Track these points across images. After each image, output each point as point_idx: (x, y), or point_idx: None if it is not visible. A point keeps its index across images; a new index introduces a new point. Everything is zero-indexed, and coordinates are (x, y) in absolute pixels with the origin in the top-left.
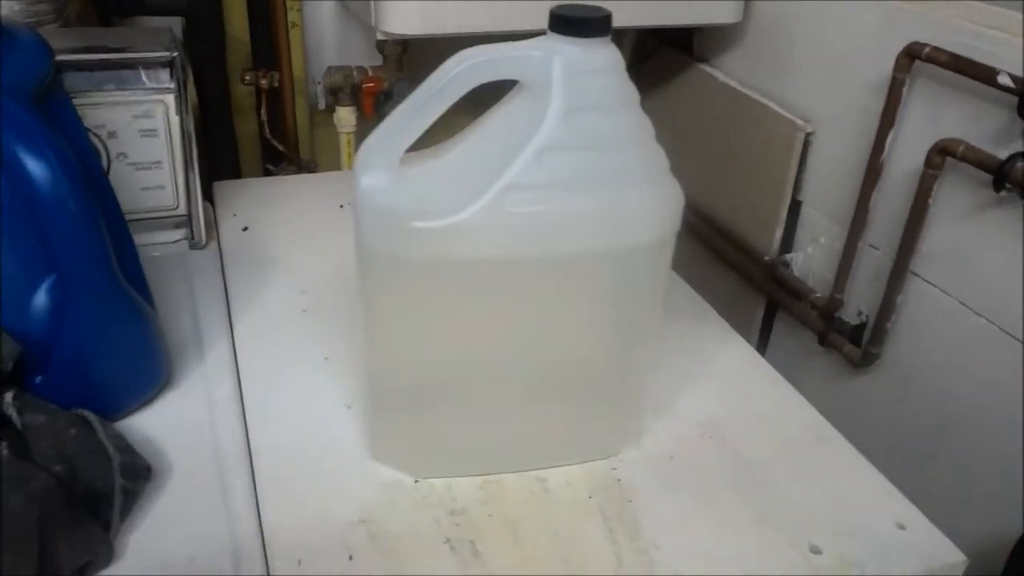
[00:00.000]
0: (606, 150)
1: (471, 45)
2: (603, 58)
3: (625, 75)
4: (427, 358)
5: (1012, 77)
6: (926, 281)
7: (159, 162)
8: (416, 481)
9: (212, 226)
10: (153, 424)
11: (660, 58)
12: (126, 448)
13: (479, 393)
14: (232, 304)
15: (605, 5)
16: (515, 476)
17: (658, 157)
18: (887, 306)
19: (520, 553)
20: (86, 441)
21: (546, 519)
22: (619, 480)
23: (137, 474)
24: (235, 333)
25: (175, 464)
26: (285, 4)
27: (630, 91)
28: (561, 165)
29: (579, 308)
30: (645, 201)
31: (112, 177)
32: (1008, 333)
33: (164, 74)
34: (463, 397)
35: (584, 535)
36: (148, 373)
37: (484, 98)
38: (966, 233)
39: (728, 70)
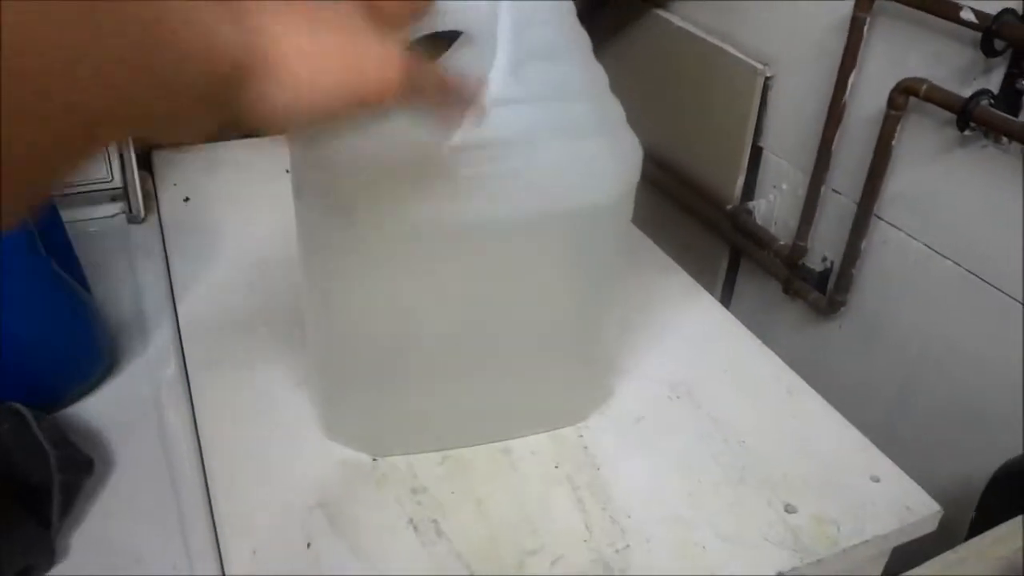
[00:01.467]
0: (558, 102)
1: None
2: (551, 5)
3: (576, 22)
4: (378, 328)
5: (976, 12)
6: (891, 225)
7: None
8: (375, 459)
9: (151, 198)
10: (95, 413)
11: (614, 4)
12: (63, 441)
13: (437, 364)
14: (175, 280)
15: None
16: (478, 449)
17: (614, 108)
18: (852, 252)
19: (486, 529)
20: (20, 436)
21: (512, 492)
22: (587, 447)
23: (77, 468)
24: (179, 311)
25: (119, 454)
26: None
27: (582, 39)
28: (511, 120)
29: (538, 270)
30: (602, 155)
31: None
32: (975, 275)
33: None
34: (420, 369)
35: (552, 506)
36: (86, 360)
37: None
38: (931, 175)
39: (684, 14)
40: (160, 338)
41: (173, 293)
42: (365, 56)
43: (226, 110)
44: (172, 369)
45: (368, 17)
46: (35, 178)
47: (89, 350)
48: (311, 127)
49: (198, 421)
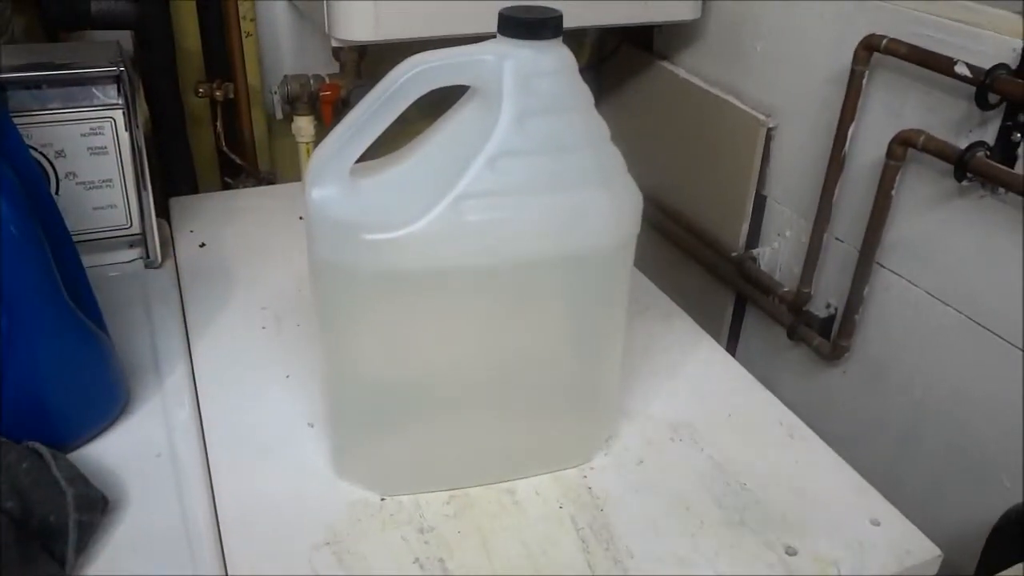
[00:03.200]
0: (561, 153)
1: (429, 49)
2: (555, 60)
3: (578, 76)
4: (388, 372)
5: (970, 67)
6: (892, 272)
7: (110, 180)
8: (383, 499)
9: (168, 244)
10: (110, 453)
11: (622, 56)
12: (80, 480)
13: (443, 405)
14: (190, 324)
15: (562, 5)
16: (483, 489)
17: (614, 158)
18: (855, 298)
19: (491, 568)
20: (38, 475)
21: (517, 531)
22: (590, 488)
23: (92, 507)
24: (193, 354)
25: (133, 494)
26: (238, 14)
27: (583, 92)
28: (515, 170)
29: (541, 314)
30: (602, 203)
31: (61, 197)
32: (975, 322)
33: (111, 89)
34: (427, 410)
35: (556, 546)
36: (103, 400)
37: (444, 99)
38: (930, 223)
39: (689, 67)
40: (175, 380)
41: (188, 336)
42: None
43: None
44: (186, 411)
45: None
46: None
47: (106, 391)
48: None
49: (210, 461)
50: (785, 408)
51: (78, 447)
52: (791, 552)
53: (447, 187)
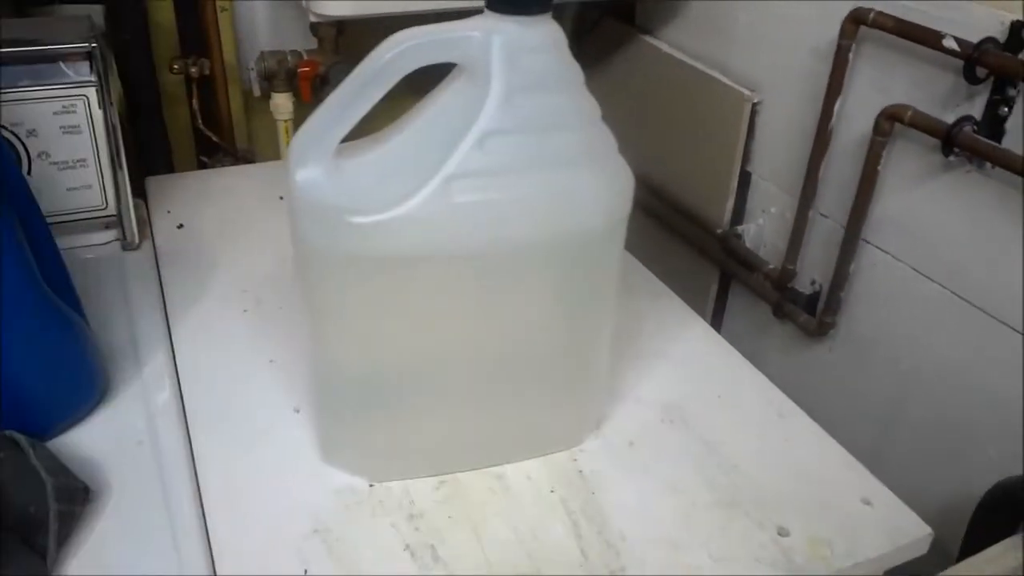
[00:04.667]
0: (551, 132)
1: (412, 24)
2: (544, 36)
3: (568, 53)
4: (376, 356)
5: (957, 40)
6: (878, 248)
7: (84, 160)
8: (371, 485)
9: (145, 225)
10: (90, 440)
11: (602, 30)
12: (60, 470)
13: (433, 389)
14: (169, 307)
15: None
16: (473, 474)
17: (605, 138)
18: (840, 275)
19: (482, 554)
20: (17, 465)
21: (508, 517)
22: (581, 471)
23: (73, 497)
24: (173, 338)
25: (115, 482)
26: None
27: (574, 70)
28: (505, 150)
29: (531, 297)
30: (594, 184)
31: (34, 178)
32: (961, 297)
33: (83, 66)
34: (416, 394)
35: (548, 531)
36: (81, 387)
37: (429, 76)
38: (916, 199)
39: (672, 41)
40: (155, 366)
41: (168, 319)
42: None
43: None
44: (167, 396)
45: None
46: None
47: (85, 377)
48: None
49: (193, 447)
50: (774, 387)
51: (57, 435)
52: (783, 533)
53: (435, 168)
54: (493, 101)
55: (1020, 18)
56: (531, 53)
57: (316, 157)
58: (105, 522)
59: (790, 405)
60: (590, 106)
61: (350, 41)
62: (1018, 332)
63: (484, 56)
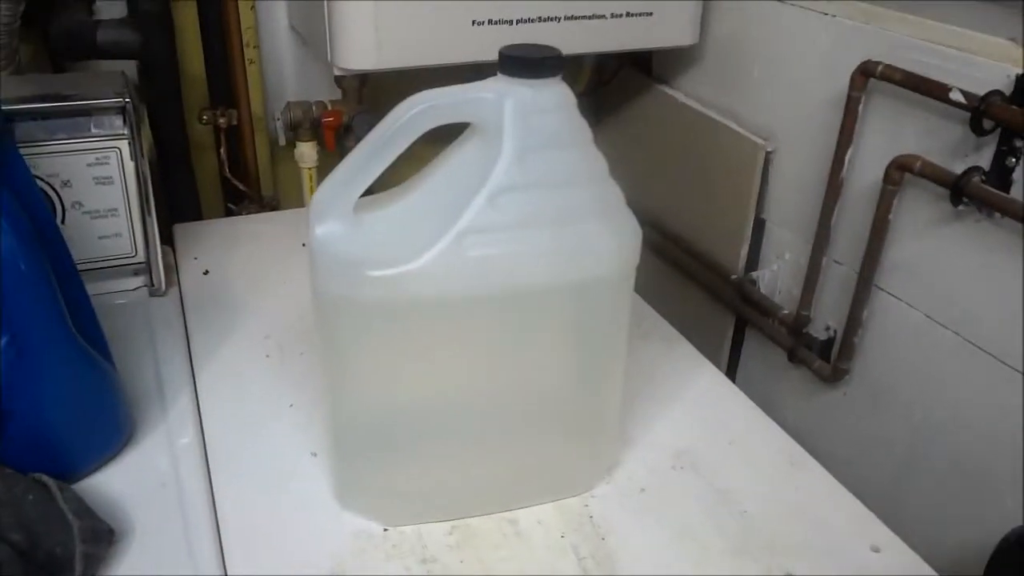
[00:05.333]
0: (560, 188)
1: (431, 77)
2: (554, 97)
3: (576, 112)
4: (391, 402)
5: (964, 93)
6: (891, 295)
7: (115, 209)
8: (386, 529)
9: (172, 271)
10: (115, 483)
11: (621, 80)
12: (86, 512)
13: (447, 435)
14: (194, 352)
15: (560, 30)
16: (486, 519)
17: (613, 192)
18: (854, 321)
19: None
20: (45, 507)
21: (519, 562)
22: (592, 517)
23: (98, 538)
24: (198, 382)
25: (138, 524)
26: (242, 42)
27: (582, 127)
28: (516, 206)
29: (542, 346)
30: (602, 237)
31: (67, 227)
32: (974, 344)
33: (117, 120)
34: (431, 440)
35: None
36: (108, 431)
37: (448, 130)
38: (928, 246)
39: (688, 91)
40: (179, 409)
41: (192, 364)
42: None
43: None
44: (190, 439)
45: None
46: None
47: (111, 421)
48: None
49: (214, 490)
50: (786, 435)
51: (83, 478)
52: None
53: (449, 223)
54: (505, 160)
55: None
56: (542, 114)
57: (336, 213)
58: (129, 563)
59: (801, 453)
60: (598, 162)
61: (373, 91)
62: None
63: (497, 117)
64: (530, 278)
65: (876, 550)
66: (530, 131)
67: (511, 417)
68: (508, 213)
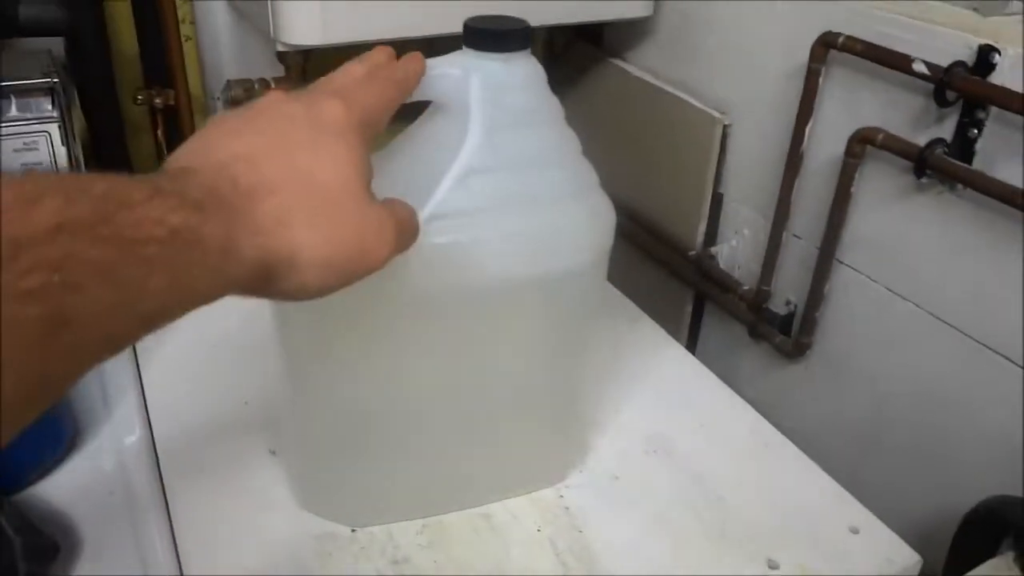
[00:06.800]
0: (532, 169)
1: None
2: (524, 72)
3: (547, 88)
4: (356, 400)
5: (927, 64)
6: (852, 268)
7: None
8: (353, 531)
9: None
10: (60, 491)
11: (572, 54)
12: (28, 528)
13: (413, 432)
14: (138, 347)
15: (515, 3)
16: (458, 515)
17: (587, 173)
18: (815, 295)
19: None
20: None
21: (495, 558)
22: (567, 507)
23: (43, 555)
24: (143, 380)
25: (86, 535)
26: (177, 17)
27: (554, 105)
28: (486, 188)
29: (514, 335)
30: (576, 220)
31: None
32: (936, 317)
33: (45, 102)
34: (396, 437)
35: (537, 570)
36: (47, 437)
37: (405, 109)
38: (890, 220)
39: (642, 64)
40: (124, 409)
41: (137, 360)
42: (365, 233)
43: (261, 295)
44: (138, 440)
45: (368, 124)
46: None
47: (50, 425)
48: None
49: (167, 494)
50: (757, 415)
51: (25, 488)
52: (773, 566)
53: (416, 209)
54: (472, 140)
55: (988, 42)
56: (511, 90)
57: None
58: None
59: (775, 434)
60: (571, 141)
61: (317, 67)
62: (993, 350)
63: (463, 94)
64: (502, 265)
65: (855, 531)
66: (499, 108)
67: (482, 409)
68: (478, 196)
